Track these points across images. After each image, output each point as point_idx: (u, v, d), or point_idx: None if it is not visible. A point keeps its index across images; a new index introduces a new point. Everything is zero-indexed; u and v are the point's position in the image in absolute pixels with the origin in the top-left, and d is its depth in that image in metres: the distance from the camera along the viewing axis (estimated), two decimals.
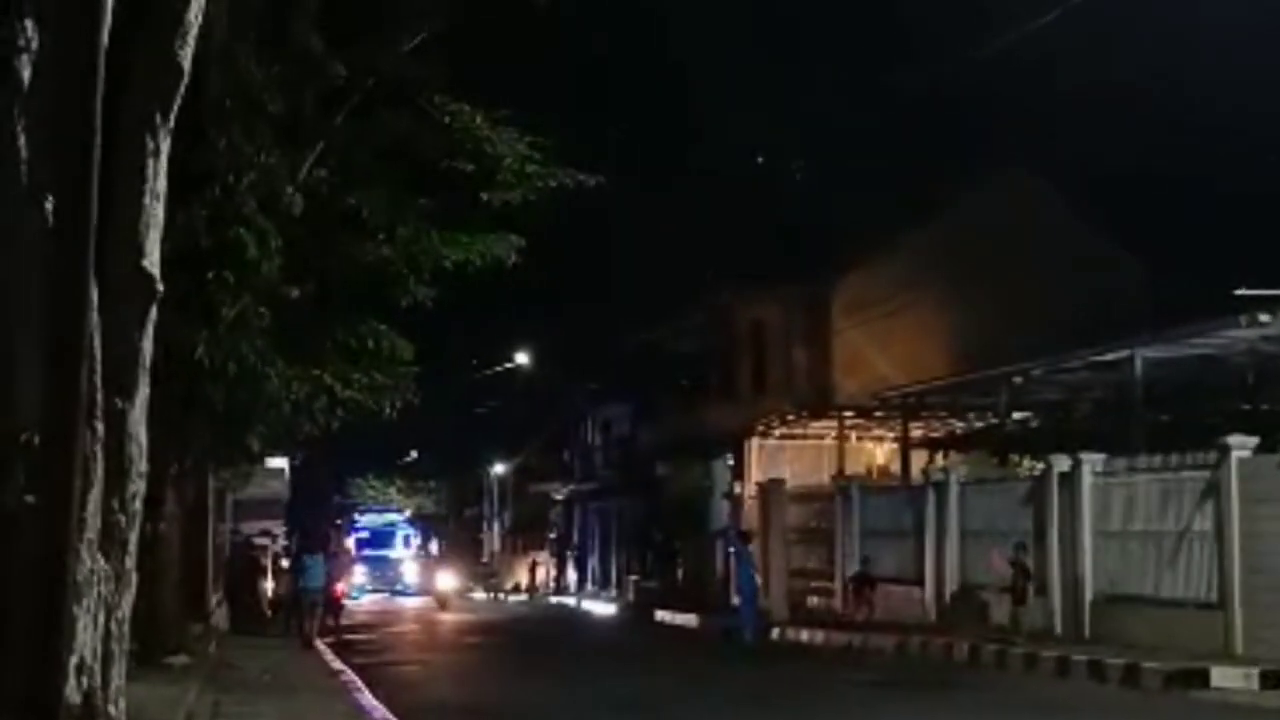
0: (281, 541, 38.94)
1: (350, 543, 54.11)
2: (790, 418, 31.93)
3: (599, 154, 18.19)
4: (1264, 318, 18.76)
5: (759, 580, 25.38)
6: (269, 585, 28.94)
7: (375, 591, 50.63)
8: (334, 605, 27.30)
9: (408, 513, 64.66)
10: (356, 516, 62.49)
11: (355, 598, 45.50)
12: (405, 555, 57.56)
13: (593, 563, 48.36)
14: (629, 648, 24.08)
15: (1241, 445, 17.52)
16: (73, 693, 5.76)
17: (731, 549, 27.16)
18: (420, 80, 15.23)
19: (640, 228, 39.24)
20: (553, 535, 54.36)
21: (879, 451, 31.86)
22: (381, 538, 58.22)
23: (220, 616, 27.76)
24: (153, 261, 6.81)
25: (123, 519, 6.65)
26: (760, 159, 37.95)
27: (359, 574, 49.91)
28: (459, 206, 16.76)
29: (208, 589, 28.76)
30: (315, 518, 52.41)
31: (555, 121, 17.54)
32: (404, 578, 53.92)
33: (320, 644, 23.44)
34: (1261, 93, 29.89)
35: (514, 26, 15.76)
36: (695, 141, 41.88)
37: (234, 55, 11.48)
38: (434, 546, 62.17)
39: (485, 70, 16.01)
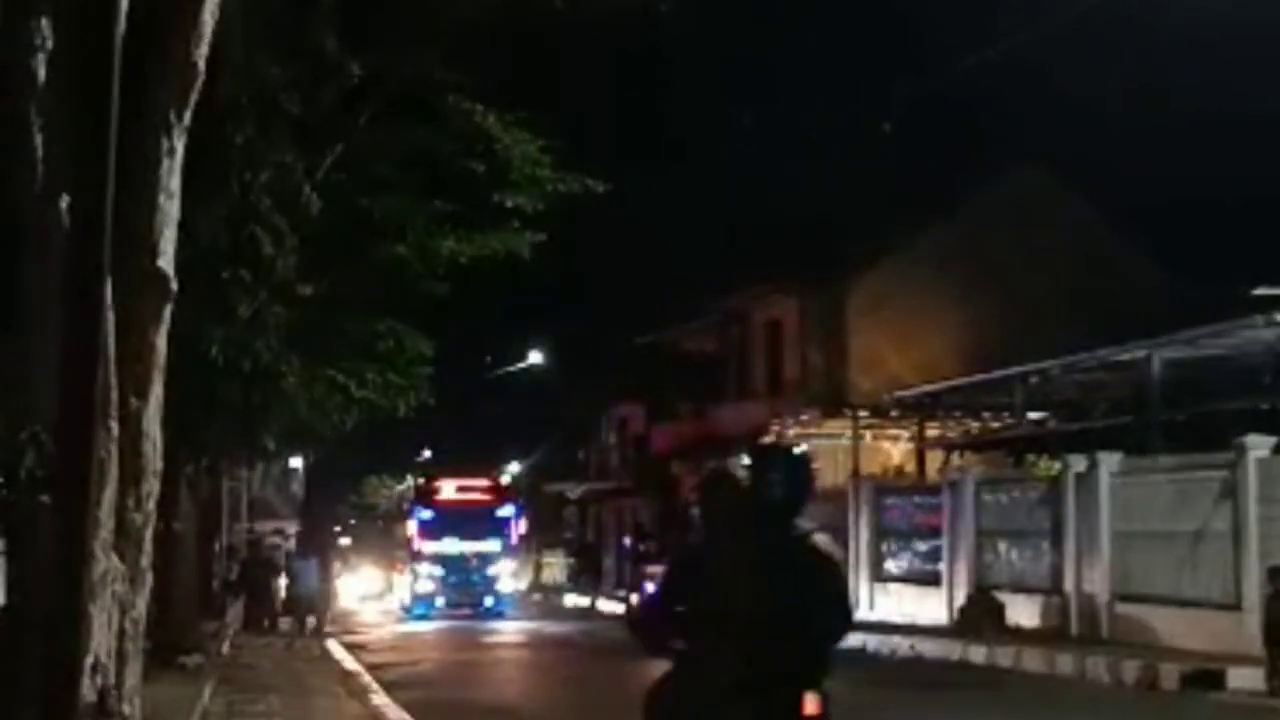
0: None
1: (411, 527, 35.05)
2: (805, 417, 31.88)
3: (618, 152, 18.25)
4: None
5: None
6: (283, 584, 28.99)
7: (455, 608, 32.98)
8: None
9: (507, 479, 39.21)
10: (421, 483, 37.61)
11: (420, 614, 32.66)
12: (499, 549, 34.70)
13: (607, 562, 48.33)
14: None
15: (1259, 445, 17.46)
16: (88, 691, 5.76)
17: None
18: (441, 85, 15.26)
19: (657, 227, 39.28)
20: (567, 535, 54.30)
21: (894, 452, 31.79)
22: (462, 521, 34.51)
23: (234, 615, 27.84)
24: (168, 260, 6.81)
25: (137, 518, 6.65)
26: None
27: (424, 580, 33.52)
28: (475, 208, 16.80)
29: (221, 588, 28.88)
30: (326, 517, 52.11)
31: (572, 119, 17.59)
32: (498, 586, 34.23)
33: (335, 644, 23.47)
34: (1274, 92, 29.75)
35: (530, 31, 15.77)
36: (713, 139, 41.88)
37: (251, 54, 11.49)
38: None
39: (502, 73, 16.03)
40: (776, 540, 5.49)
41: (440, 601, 33.39)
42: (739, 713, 5.19)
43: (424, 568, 33.79)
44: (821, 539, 5.72)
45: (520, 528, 36.68)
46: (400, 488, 45.07)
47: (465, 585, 33.69)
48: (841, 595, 5.57)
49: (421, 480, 37.79)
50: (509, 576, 34.88)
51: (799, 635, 5.23)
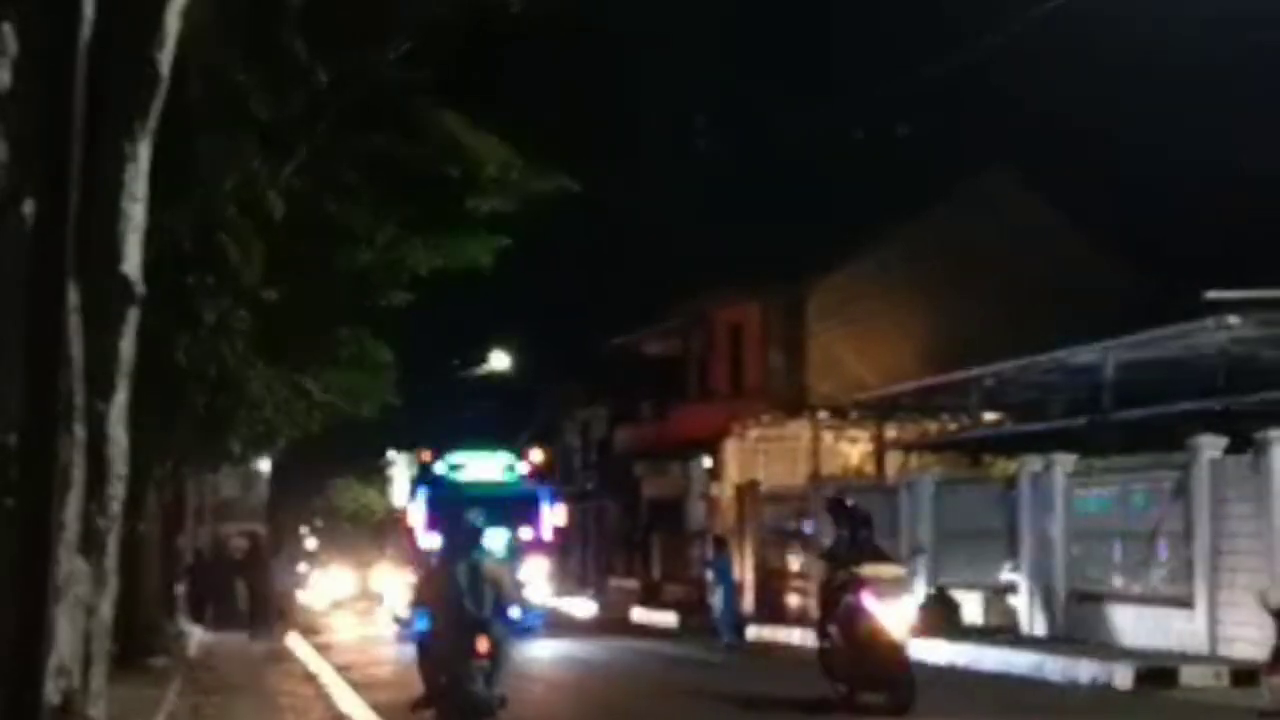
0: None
1: (413, 515, 27.47)
2: (766, 420, 32.05)
3: (583, 154, 18.32)
4: (1233, 320, 18.97)
5: (736, 579, 25.68)
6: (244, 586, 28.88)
7: None
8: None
9: (531, 461, 29.39)
10: (427, 459, 28.80)
11: (423, 629, 20.89)
12: (530, 545, 26.79)
13: (570, 564, 48.34)
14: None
15: (1212, 446, 17.73)
16: (52, 694, 5.79)
17: (711, 565, 26.57)
18: (406, 88, 15.30)
19: (618, 230, 39.36)
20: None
21: (854, 453, 32.00)
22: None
23: (202, 617, 27.78)
24: (133, 265, 6.86)
25: (102, 521, 6.70)
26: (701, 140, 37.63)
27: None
28: (443, 211, 16.84)
29: (188, 590, 28.80)
30: (292, 519, 51.83)
31: (535, 121, 17.65)
32: (528, 593, 25.05)
33: (302, 644, 23.44)
34: (1239, 94, 30.10)
35: (497, 32, 15.84)
36: (675, 140, 42.03)
37: (217, 58, 11.52)
38: None
39: (467, 75, 16.07)
40: (469, 562, 11.21)
41: None
42: (454, 650, 10.88)
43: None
44: (490, 563, 11.57)
45: (558, 516, 28.50)
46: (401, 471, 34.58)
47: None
48: (500, 594, 11.21)
49: (428, 456, 28.87)
50: (542, 581, 26.57)
51: (476, 610, 10.90)
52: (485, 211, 16.31)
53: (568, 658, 22.41)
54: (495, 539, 23.38)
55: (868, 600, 13.22)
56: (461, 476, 27.63)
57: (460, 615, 10.80)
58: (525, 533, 26.55)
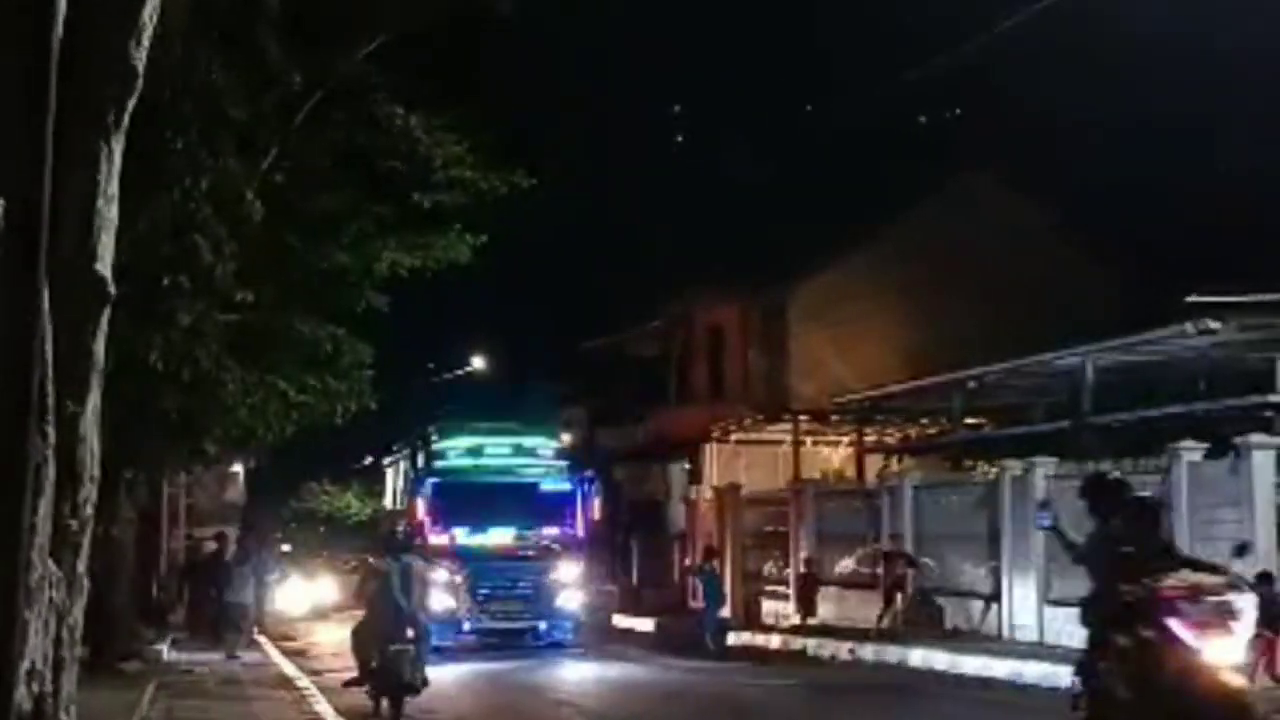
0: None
1: (419, 509, 22.59)
2: (747, 422, 32.02)
3: (567, 155, 18.33)
4: (1214, 324, 18.98)
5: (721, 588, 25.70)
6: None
7: (488, 635, 22.22)
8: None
9: (558, 442, 25.54)
10: (433, 437, 23.88)
11: (432, 648, 17.10)
12: (560, 545, 23.20)
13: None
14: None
15: (1192, 450, 17.73)
16: (23, 700, 5.71)
17: (699, 575, 26.55)
18: (374, 85, 15.27)
19: (601, 232, 39.34)
20: None
21: (835, 456, 32.00)
22: (502, 500, 22.87)
23: (175, 621, 27.59)
24: (105, 264, 6.76)
25: (75, 524, 6.60)
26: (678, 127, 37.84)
27: (440, 593, 20.91)
28: (409, 209, 16.83)
29: (161, 594, 28.63)
30: (266, 522, 51.39)
31: (511, 125, 17.63)
32: (558, 603, 22.75)
33: (274, 649, 23.28)
34: (1223, 100, 30.25)
35: (472, 32, 15.81)
36: (659, 144, 42.04)
37: (194, 57, 11.42)
38: None
39: (438, 75, 16.04)
40: (400, 563, 13.57)
41: (466, 626, 21.79)
42: (385, 637, 12.98)
43: (439, 574, 20.82)
44: (419, 564, 14.20)
45: (594, 510, 23.77)
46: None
47: (506, 600, 22.36)
48: (424, 592, 14.30)
49: (435, 437, 23.91)
50: (574, 588, 23.05)
51: (406, 605, 13.27)
52: (446, 210, 16.28)
53: (572, 669, 20.91)
54: (508, 537, 22.79)
55: (1181, 630, 8.67)
56: (477, 462, 23.48)
57: (392, 608, 13.17)
58: (554, 529, 23.07)
